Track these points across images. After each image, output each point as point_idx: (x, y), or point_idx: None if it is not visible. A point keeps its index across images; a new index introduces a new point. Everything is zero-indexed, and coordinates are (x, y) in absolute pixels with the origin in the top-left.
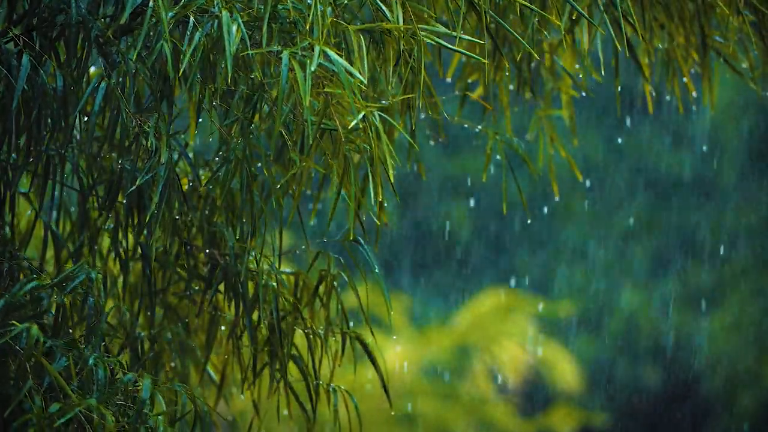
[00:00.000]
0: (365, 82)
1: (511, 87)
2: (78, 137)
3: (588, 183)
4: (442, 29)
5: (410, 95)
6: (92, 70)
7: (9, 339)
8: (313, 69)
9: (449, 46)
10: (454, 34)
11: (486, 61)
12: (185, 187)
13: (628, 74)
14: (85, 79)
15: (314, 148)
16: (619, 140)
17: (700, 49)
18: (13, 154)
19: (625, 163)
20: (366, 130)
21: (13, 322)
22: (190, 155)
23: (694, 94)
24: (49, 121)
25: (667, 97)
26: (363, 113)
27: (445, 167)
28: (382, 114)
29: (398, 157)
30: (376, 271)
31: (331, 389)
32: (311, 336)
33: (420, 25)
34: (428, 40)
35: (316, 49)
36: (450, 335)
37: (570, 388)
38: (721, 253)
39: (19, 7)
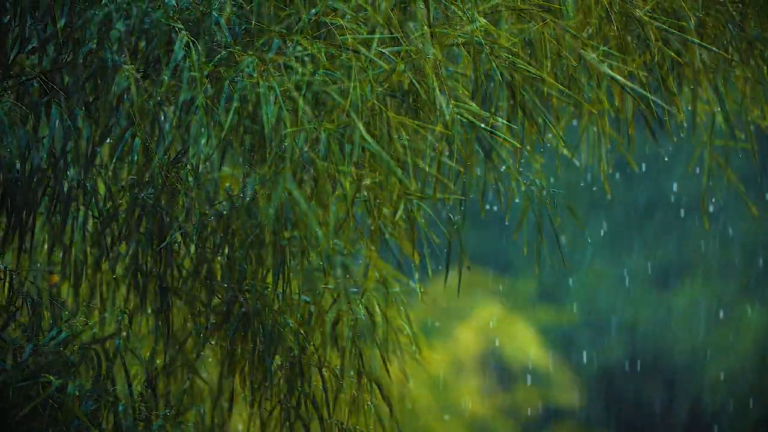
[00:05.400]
0: (401, 175)
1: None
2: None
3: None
4: (476, 108)
5: (448, 195)
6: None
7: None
8: (354, 159)
9: (484, 126)
10: (487, 115)
11: (519, 146)
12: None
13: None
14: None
15: (345, 230)
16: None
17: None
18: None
19: (632, 178)
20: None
21: (47, 376)
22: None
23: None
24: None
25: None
26: (403, 204)
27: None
28: (421, 203)
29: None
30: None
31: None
32: (327, 374)
33: (456, 102)
34: (463, 119)
35: (357, 133)
36: (453, 350)
37: (572, 403)
38: (727, 267)
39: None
